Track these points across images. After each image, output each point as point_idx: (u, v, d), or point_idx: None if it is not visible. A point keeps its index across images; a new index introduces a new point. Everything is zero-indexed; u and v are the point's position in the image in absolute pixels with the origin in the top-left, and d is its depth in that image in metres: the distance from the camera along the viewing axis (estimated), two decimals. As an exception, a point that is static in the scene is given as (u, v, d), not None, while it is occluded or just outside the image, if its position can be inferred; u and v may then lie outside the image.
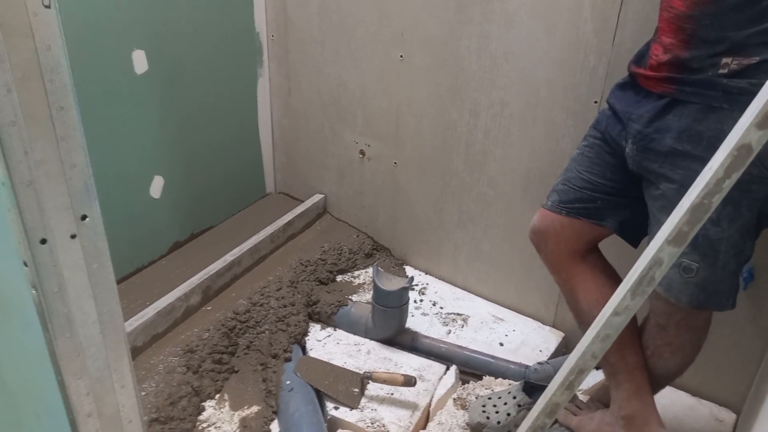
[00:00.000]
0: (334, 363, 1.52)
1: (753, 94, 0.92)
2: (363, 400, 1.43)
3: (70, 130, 0.59)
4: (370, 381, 1.45)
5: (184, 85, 1.74)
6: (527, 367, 1.51)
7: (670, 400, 1.47)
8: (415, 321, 1.69)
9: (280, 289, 1.69)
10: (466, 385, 1.51)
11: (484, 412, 1.36)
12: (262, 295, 1.66)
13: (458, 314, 1.74)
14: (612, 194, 1.18)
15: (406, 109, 1.74)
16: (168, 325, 1.53)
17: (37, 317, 0.67)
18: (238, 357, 1.53)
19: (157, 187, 1.74)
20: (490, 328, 1.69)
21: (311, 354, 1.56)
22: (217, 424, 1.37)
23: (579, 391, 1.43)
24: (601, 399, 1.37)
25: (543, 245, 1.27)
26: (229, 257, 1.72)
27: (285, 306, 1.64)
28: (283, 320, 1.60)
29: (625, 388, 1.21)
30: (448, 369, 1.53)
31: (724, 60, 0.93)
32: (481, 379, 1.53)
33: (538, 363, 1.52)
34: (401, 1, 1.62)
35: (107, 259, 0.70)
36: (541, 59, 1.46)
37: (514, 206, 1.64)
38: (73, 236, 0.65)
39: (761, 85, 0.88)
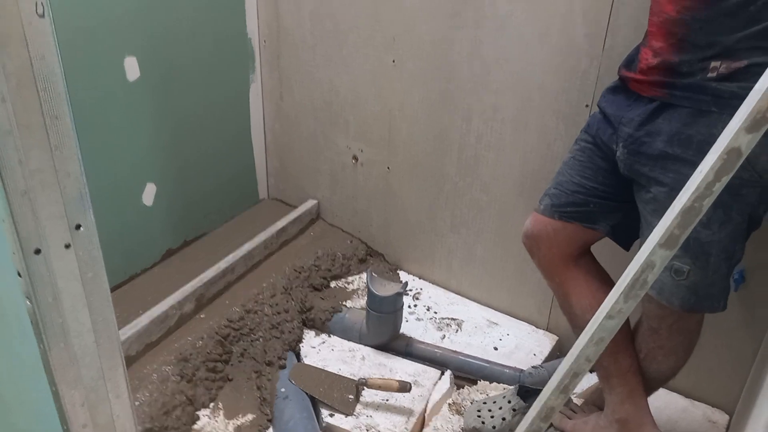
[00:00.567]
0: (328, 370, 1.52)
1: (742, 98, 0.93)
2: (358, 407, 1.43)
3: (64, 139, 0.59)
4: (365, 387, 1.45)
5: (177, 91, 1.74)
6: (522, 371, 1.52)
7: (663, 402, 1.48)
8: (409, 326, 1.69)
9: (274, 296, 1.69)
10: (461, 390, 1.51)
11: (479, 416, 1.37)
12: (256, 302, 1.66)
13: (452, 319, 1.74)
14: (604, 198, 1.18)
15: (398, 114, 1.75)
16: (161, 333, 1.52)
17: (32, 327, 0.66)
18: (232, 365, 1.52)
19: (149, 194, 1.74)
20: (485, 333, 1.69)
21: (306, 361, 1.56)
22: (212, 433, 1.37)
23: (573, 394, 1.44)
24: (595, 402, 1.37)
25: (536, 249, 1.27)
26: (222, 264, 1.71)
27: (279, 313, 1.64)
28: (277, 327, 1.60)
29: (619, 392, 1.22)
30: (442, 374, 1.53)
31: (713, 64, 0.95)
32: (475, 383, 1.53)
33: (533, 367, 1.53)
34: (394, 7, 1.63)
35: (102, 268, 0.70)
36: (533, 64, 1.47)
37: (507, 210, 1.65)
38: (67, 246, 0.65)
39: (750, 88, 0.89)
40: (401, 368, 1.55)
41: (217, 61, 1.84)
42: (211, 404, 1.44)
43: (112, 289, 1.66)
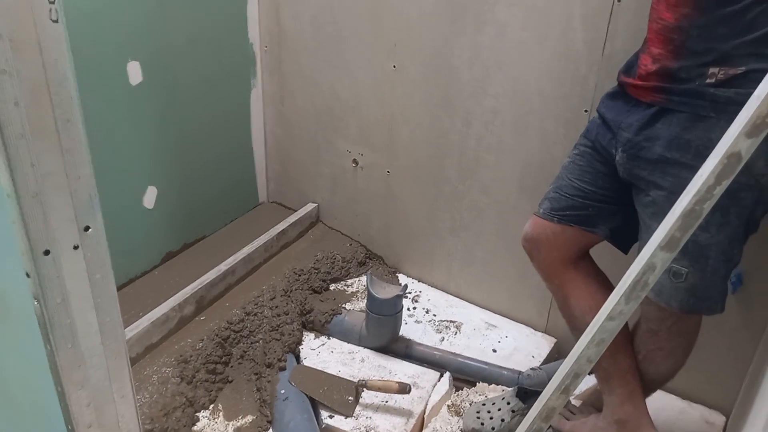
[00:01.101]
0: (328, 371, 1.53)
1: (739, 104, 0.94)
2: (358, 408, 1.43)
3: (76, 143, 0.60)
4: (364, 389, 1.45)
5: (178, 95, 1.75)
6: (520, 373, 1.53)
7: (661, 403, 1.49)
8: (408, 328, 1.70)
9: (274, 298, 1.69)
10: (460, 391, 1.52)
11: (478, 418, 1.38)
12: (256, 304, 1.66)
13: (451, 321, 1.75)
14: (603, 201, 1.20)
15: (399, 118, 1.76)
16: (162, 335, 1.53)
17: (39, 328, 0.67)
18: (232, 367, 1.53)
19: (150, 197, 1.74)
20: (483, 335, 1.70)
21: (305, 363, 1.57)
22: (213, 434, 1.37)
23: (572, 395, 1.45)
24: (593, 404, 1.38)
25: (535, 252, 1.29)
26: (223, 267, 1.72)
27: (279, 315, 1.64)
28: (277, 329, 1.61)
29: (618, 393, 1.23)
30: (441, 376, 1.54)
31: (711, 70, 0.96)
32: (474, 385, 1.54)
33: (531, 369, 1.54)
34: (395, 14, 1.65)
35: (109, 270, 0.71)
36: (532, 69, 1.48)
37: (507, 213, 1.66)
38: (75, 247, 0.66)
39: (747, 94, 0.90)
40: (401, 370, 1.55)
41: (219, 66, 1.85)
42: (211, 406, 1.44)
43: (113, 292, 1.69)
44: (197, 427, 1.39)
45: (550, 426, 1.32)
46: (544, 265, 1.28)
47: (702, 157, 0.98)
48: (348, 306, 1.75)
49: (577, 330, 1.27)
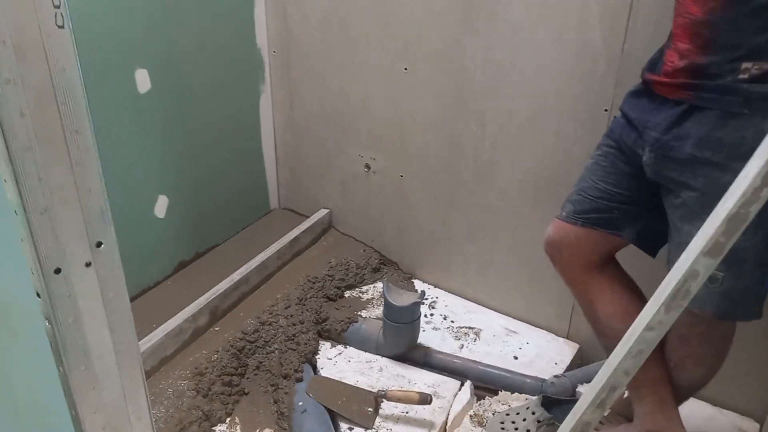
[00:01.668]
0: (346, 382, 1.49)
1: (775, 99, 0.91)
2: (378, 420, 1.40)
3: (85, 154, 0.57)
4: (384, 399, 1.42)
5: (187, 103, 1.72)
6: (544, 380, 1.49)
7: (690, 410, 1.44)
8: (426, 336, 1.66)
9: (289, 307, 1.66)
10: (482, 400, 1.48)
11: (503, 429, 1.33)
12: (271, 313, 1.63)
13: (470, 328, 1.71)
14: (628, 203, 1.15)
15: (411, 121, 1.73)
16: (176, 347, 1.50)
17: (51, 349, 0.64)
18: (248, 378, 1.50)
19: (161, 206, 1.72)
20: (504, 341, 1.66)
21: (322, 373, 1.53)
22: (230, 449, 1.34)
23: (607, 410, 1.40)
24: (622, 413, 1.34)
25: (558, 257, 1.24)
26: (236, 276, 1.69)
27: (294, 324, 1.61)
28: (292, 339, 1.57)
29: (648, 401, 1.18)
30: (462, 384, 1.50)
31: (745, 65, 0.92)
32: (497, 394, 1.50)
33: (555, 376, 1.49)
34: (405, 14, 1.61)
35: (123, 287, 0.68)
36: (548, 68, 1.44)
37: (524, 216, 1.62)
38: (88, 264, 0.62)
39: (784, 89, 0.87)
40: (420, 379, 1.52)
41: (227, 73, 1.83)
42: (228, 419, 1.41)
43: (125, 304, 1.66)
44: (213, 442, 1.36)
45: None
46: (568, 269, 1.23)
47: (735, 155, 0.94)
48: (364, 313, 1.72)
49: (604, 336, 1.23)
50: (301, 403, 1.41)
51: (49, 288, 0.60)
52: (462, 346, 1.64)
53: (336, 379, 1.50)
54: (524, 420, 1.33)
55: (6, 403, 0.78)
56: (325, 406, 1.41)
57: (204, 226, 1.89)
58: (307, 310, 1.66)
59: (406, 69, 1.67)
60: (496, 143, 1.59)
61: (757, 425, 1.43)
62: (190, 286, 1.73)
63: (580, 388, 1.46)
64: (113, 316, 0.68)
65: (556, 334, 1.68)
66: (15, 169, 0.53)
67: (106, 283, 0.66)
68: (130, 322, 0.70)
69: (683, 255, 0.74)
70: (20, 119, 0.52)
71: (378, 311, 1.73)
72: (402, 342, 1.56)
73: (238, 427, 1.39)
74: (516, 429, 1.32)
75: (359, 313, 1.71)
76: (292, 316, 1.63)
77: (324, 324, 1.65)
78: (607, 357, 1.31)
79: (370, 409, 1.41)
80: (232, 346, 1.51)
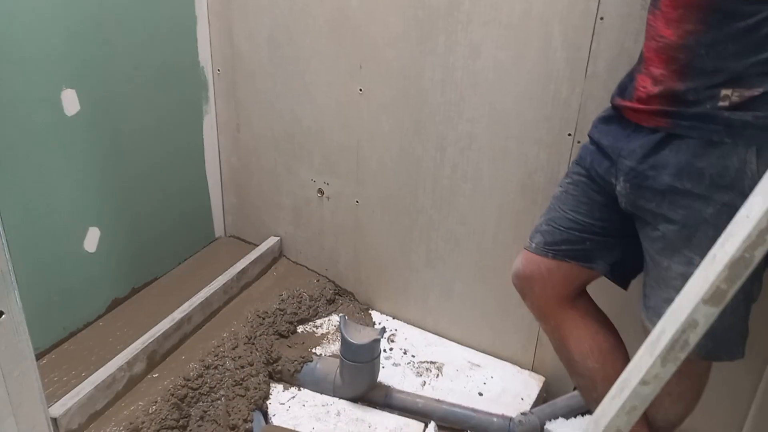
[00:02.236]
0: (300, 430, 1.37)
1: (757, 128, 0.87)
2: (337, 471, 1.28)
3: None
4: (343, 448, 1.31)
5: (122, 125, 1.57)
6: (511, 419, 1.41)
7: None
8: (386, 373, 1.56)
9: (236, 347, 1.53)
10: (448, 443, 1.39)
11: (472, 476, 1.24)
12: (216, 355, 1.49)
13: (432, 362, 1.62)
14: (601, 234, 1.10)
15: (367, 144, 1.64)
16: (108, 400, 1.34)
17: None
18: (191, 431, 1.35)
19: (92, 239, 1.55)
20: (467, 376, 1.58)
21: (274, 420, 1.40)
22: None
23: (569, 443, 1.34)
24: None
25: (528, 291, 1.18)
26: (177, 314, 1.54)
27: (242, 366, 1.48)
28: (240, 384, 1.44)
29: (625, 443, 1.12)
30: (426, 426, 1.41)
31: (724, 92, 0.87)
32: (463, 435, 1.41)
33: (522, 414, 1.42)
34: (359, 32, 1.53)
35: (31, 363, 0.55)
36: (510, 91, 1.39)
37: (487, 243, 1.56)
38: (-17, 341, 0.50)
39: (767, 117, 0.83)
40: (381, 423, 1.41)
41: (166, 92, 1.69)
42: (169, 479, 1.26)
43: (50, 349, 1.49)
44: (152, 507, 1.20)
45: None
46: (539, 304, 1.17)
47: (718, 186, 0.90)
48: (318, 351, 1.60)
49: (578, 375, 1.16)
50: (251, 457, 1.28)
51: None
52: (424, 383, 1.55)
53: (289, 428, 1.37)
54: (495, 466, 1.24)
55: None
56: (278, 459, 1.29)
57: (141, 258, 1.73)
58: (256, 349, 1.53)
59: (360, 90, 1.59)
60: (457, 168, 1.52)
61: (728, 457, 1.39)
62: (125, 326, 1.57)
63: (549, 426, 1.39)
64: (19, 399, 0.54)
65: (521, 366, 1.61)
66: None
67: (10, 361, 0.53)
68: (42, 405, 0.57)
69: (677, 301, 0.67)
70: None
71: (334, 347, 1.61)
72: (361, 383, 1.45)
73: (180, 488, 1.25)
74: (487, 476, 1.23)
75: (314, 350, 1.59)
76: (240, 357, 1.50)
77: (275, 365, 1.52)
78: (580, 393, 1.24)
79: (328, 459, 1.29)
80: (172, 395, 1.36)
